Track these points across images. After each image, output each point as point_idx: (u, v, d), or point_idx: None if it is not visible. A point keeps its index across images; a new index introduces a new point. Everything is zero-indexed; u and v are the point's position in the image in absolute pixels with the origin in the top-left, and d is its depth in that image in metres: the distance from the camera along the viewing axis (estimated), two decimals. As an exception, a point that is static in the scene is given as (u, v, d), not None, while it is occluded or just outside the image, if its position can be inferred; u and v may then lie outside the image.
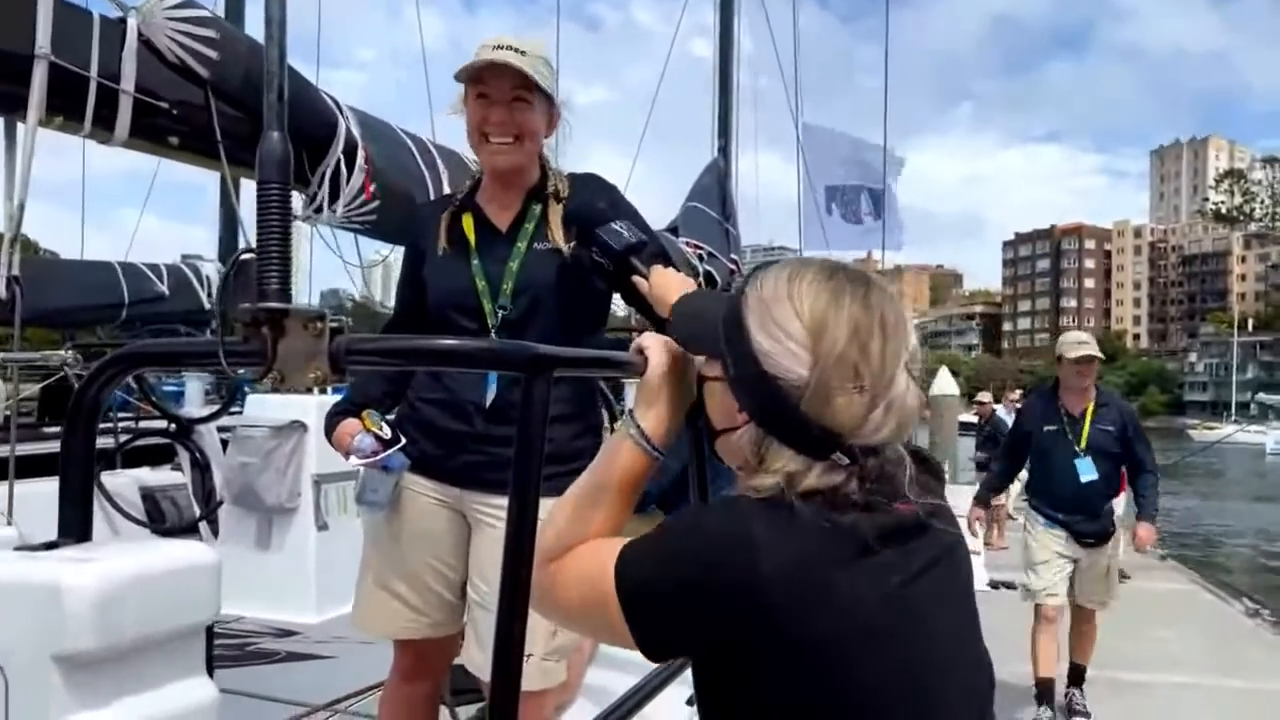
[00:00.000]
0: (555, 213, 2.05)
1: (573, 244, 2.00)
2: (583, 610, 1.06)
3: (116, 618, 0.72)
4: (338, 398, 2.28)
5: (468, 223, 2.07)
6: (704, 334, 1.11)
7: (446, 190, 3.38)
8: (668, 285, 1.71)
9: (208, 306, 6.53)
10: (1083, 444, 4.40)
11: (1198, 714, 4.99)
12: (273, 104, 1.00)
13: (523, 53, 1.95)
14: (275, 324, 0.96)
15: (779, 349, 0.99)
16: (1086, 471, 4.39)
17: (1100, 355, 4.52)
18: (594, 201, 2.05)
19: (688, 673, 1.97)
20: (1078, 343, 4.56)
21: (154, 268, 7.40)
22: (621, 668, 1.98)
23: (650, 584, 0.99)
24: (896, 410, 0.98)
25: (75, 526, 0.89)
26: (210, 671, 0.84)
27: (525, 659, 1.91)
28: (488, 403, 2.00)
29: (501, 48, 1.94)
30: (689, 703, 2.32)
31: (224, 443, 4.12)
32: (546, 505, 1.94)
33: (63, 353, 2.66)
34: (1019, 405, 13.01)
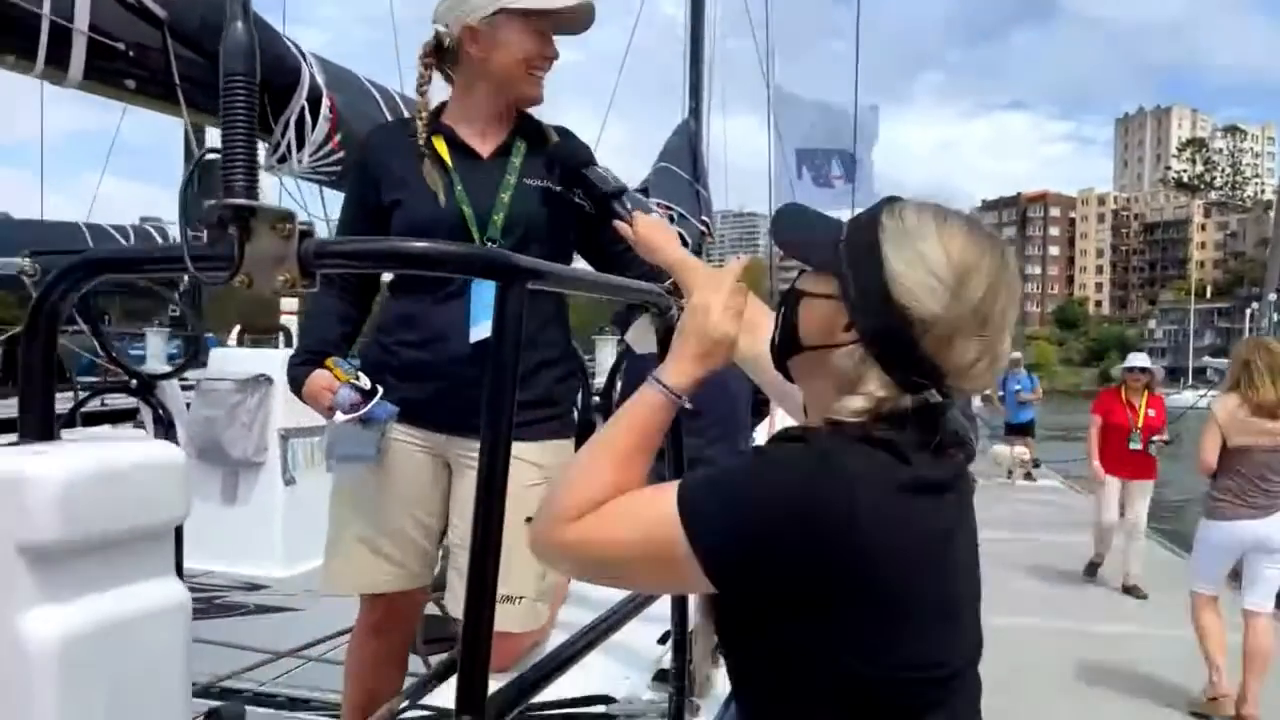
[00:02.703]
0: (544, 149, 2.01)
1: (560, 188, 1.97)
2: (636, 556, 1.02)
3: (83, 510, 0.71)
4: None
5: (440, 146, 1.98)
6: (816, 248, 1.11)
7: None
8: (655, 231, 1.74)
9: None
10: None
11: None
12: None
13: None
14: (242, 223, 0.93)
15: (917, 280, 1.01)
16: None
17: None
18: (578, 148, 2.01)
19: (661, 609, 2.01)
20: None
21: (119, 229, 7.23)
22: (594, 607, 2.00)
23: (726, 511, 0.98)
24: (997, 364, 1.05)
25: (36, 428, 0.88)
26: (179, 574, 0.84)
27: (518, 601, 1.95)
28: (472, 339, 1.91)
29: None
30: (661, 641, 2.35)
31: (188, 405, 4.07)
32: (532, 448, 1.97)
33: (19, 260, 2.58)
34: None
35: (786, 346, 1.12)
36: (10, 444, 0.81)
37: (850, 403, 1.02)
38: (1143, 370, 7.03)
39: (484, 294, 1.87)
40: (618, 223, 1.80)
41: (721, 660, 1.15)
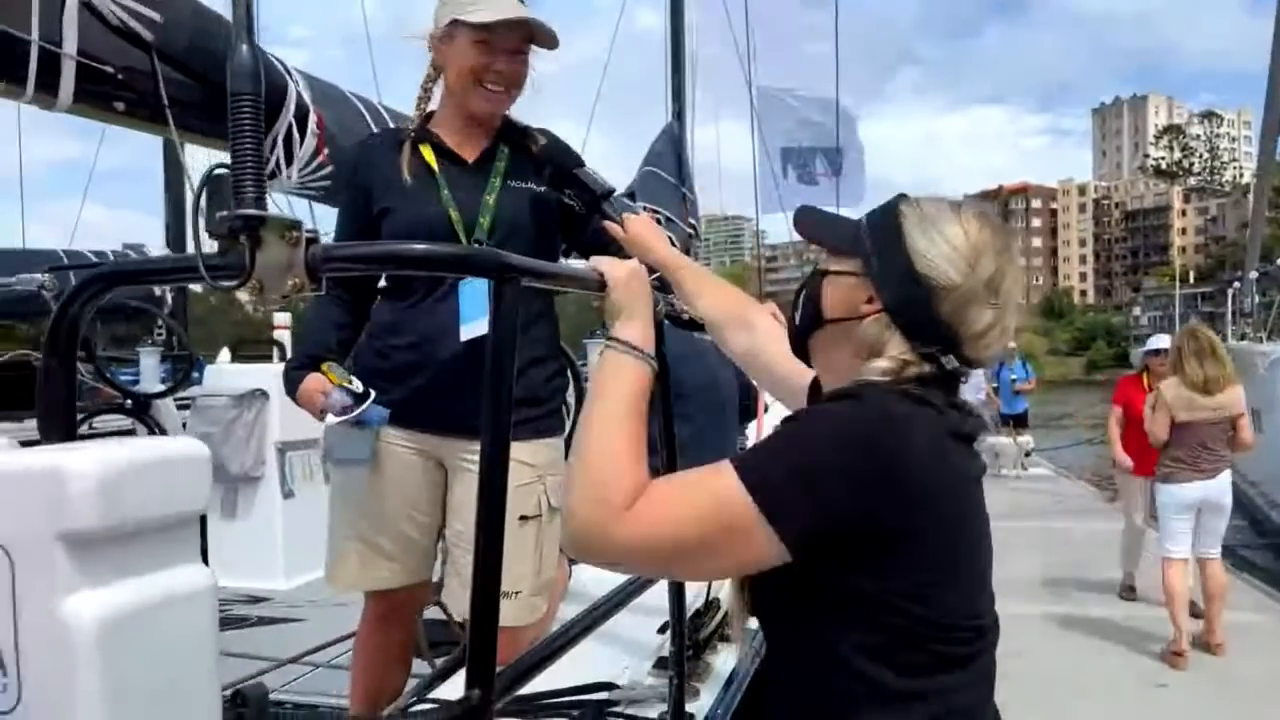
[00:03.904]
0: (527, 154, 2.06)
1: (545, 189, 2.03)
2: (704, 538, 1.02)
3: (118, 499, 0.76)
4: None
5: (428, 152, 2.04)
6: (834, 232, 1.25)
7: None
8: (645, 230, 1.82)
9: (158, 293, 6.45)
10: None
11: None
12: (240, 17, 1.02)
13: (523, 2, 1.97)
14: (252, 234, 0.99)
15: (937, 253, 1.14)
16: None
17: None
18: (567, 149, 2.06)
19: (659, 601, 2.05)
20: None
21: (100, 255, 7.25)
22: (594, 601, 2.05)
23: (797, 473, 1.01)
24: (1005, 335, 1.17)
25: (59, 430, 0.92)
26: (204, 559, 0.89)
27: (514, 596, 2.00)
28: (464, 337, 1.93)
29: None
30: (660, 631, 2.40)
31: (184, 423, 4.10)
32: (524, 448, 2.01)
33: (40, 276, 2.64)
34: None
35: (809, 322, 1.23)
36: (29, 444, 0.86)
37: (876, 364, 1.13)
38: (1167, 352, 5.84)
39: (472, 294, 1.91)
40: (608, 223, 1.85)
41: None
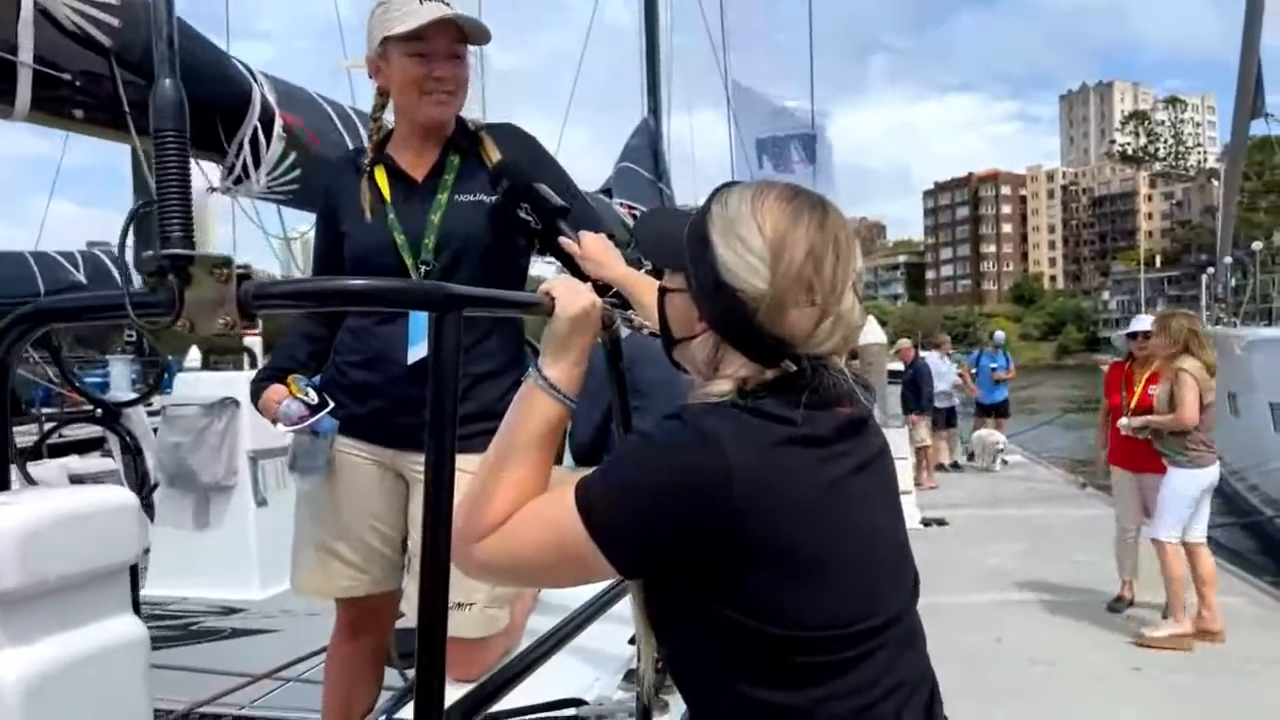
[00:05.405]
0: (480, 161, 2.03)
1: (495, 198, 1.99)
2: (547, 561, 1.06)
3: (41, 556, 0.74)
4: None
5: (381, 177, 2.04)
6: (667, 248, 1.18)
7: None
8: (599, 248, 1.81)
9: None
10: None
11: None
12: (163, 52, 1.00)
13: (448, 4, 1.94)
14: (181, 272, 0.97)
15: (739, 262, 1.06)
16: None
17: None
18: (522, 156, 2.04)
19: (627, 609, 2.04)
20: None
21: (69, 256, 7.09)
22: (564, 612, 2.03)
23: (620, 503, 1.01)
24: (843, 324, 1.08)
25: (-9, 478, 0.89)
26: (136, 610, 0.87)
27: (468, 608, 1.98)
28: (410, 360, 1.96)
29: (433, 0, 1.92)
30: (630, 641, 2.38)
31: (155, 429, 4.04)
32: (473, 460, 1.99)
33: None
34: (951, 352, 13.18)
35: (667, 342, 1.20)
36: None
37: (716, 386, 1.07)
38: (1147, 335, 5.42)
39: (421, 316, 1.91)
40: (564, 240, 1.87)
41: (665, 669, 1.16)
